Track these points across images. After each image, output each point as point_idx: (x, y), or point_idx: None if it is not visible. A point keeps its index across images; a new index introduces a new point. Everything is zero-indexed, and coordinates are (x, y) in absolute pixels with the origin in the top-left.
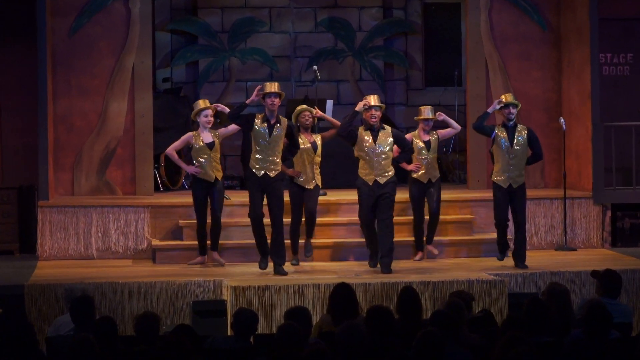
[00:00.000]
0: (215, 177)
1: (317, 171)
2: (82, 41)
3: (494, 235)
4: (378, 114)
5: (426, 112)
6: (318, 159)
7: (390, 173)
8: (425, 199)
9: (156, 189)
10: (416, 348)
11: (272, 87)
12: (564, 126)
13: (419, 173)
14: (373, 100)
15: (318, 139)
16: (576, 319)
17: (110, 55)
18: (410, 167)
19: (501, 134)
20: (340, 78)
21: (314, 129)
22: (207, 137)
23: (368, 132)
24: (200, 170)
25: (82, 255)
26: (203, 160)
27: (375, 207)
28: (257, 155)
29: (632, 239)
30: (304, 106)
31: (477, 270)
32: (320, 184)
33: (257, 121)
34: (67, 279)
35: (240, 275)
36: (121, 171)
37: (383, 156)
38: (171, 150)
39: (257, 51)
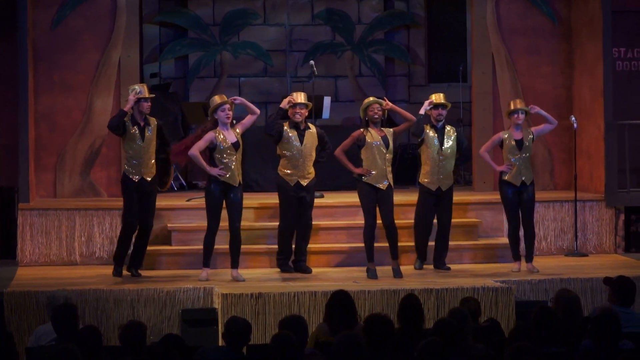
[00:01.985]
0: (239, 182)
1: (389, 169)
2: (65, 34)
3: (501, 240)
4: (303, 112)
5: (520, 104)
6: (389, 156)
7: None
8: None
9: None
10: (418, 359)
11: (300, 97)
12: (575, 125)
13: (510, 174)
14: (299, 97)
15: (390, 133)
16: (588, 328)
17: (94, 49)
18: (500, 167)
19: (431, 134)
20: (339, 73)
21: (382, 123)
22: (230, 136)
23: (293, 131)
24: (225, 173)
25: (64, 261)
26: (228, 161)
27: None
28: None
29: None
30: (372, 98)
31: (483, 276)
32: (392, 183)
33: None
34: (48, 285)
35: (232, 282)
36: (106, 172)
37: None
38: (196, 151)
39: (251, 45)
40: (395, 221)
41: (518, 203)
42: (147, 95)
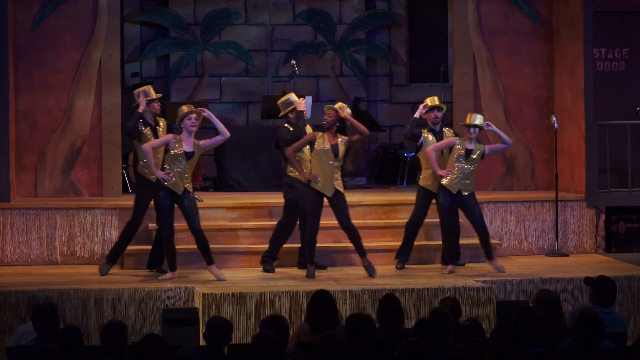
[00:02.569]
0: (185, 189)
1: (337, 176)
2: (46, 33)
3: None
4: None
5: (473, 118)
6: (337, 164)
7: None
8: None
9: (124, 190)
10: (398, 359)
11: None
12: (556, 125)
13: (447, 180)
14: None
15: (344, 142)
16: (568, 328)
17: (75, 48)
18: (441, 171)
19: (430, 138)
20: (320, 73)
21: (341, 130)
22: (188, 145)
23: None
24: (170, 179)
25: (45, 261)
26: (176, 168)
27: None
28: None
29: (627, 243)
30: (340, 104)
31: (464, 276)
32: (342, 189)
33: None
34: (29, 285)
35: (213, 281)
36: (87, 171)
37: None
38: (148, 146)
39: (232, 44)
40: (374, 220)
41: (452, 210)
42: (154, 96)
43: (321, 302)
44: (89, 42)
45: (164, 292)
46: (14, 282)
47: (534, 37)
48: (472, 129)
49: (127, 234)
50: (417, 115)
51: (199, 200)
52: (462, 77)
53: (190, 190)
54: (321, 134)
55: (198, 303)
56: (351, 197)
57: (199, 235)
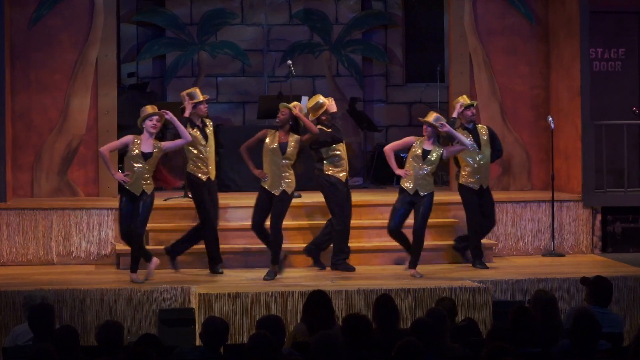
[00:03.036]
0: (143, 191)
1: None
2: (42, 33)
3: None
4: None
5: (432, 117)
6: (286, 162)
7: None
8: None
9: (120, 190)
10: (395, 359)
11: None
12: (552, 125)
13: (406, 181)
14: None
15: (294, 140)
16: (564, 328)
17: (72, 48)
18: (399, 171)
19: (467, 136)
20: (316, 73)
21: (295, 129)
22: (147, 145)
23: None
24: (128, 180)
25: (41, 261)
26: (135, 169)
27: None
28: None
29: (623, 244)
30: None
31: (460, 276)
32: (288, 190)
33: None
34: (25, 285)
35: (210, 282)
36: (84, 171)
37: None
38: (106, 149)
39: (228, 44)
40: (370, 221)
41: (407, 210)
42: (201, 98)
43: (317, 302)
44: (86, 42)
45: (160, 292)
46: (10, 282)
47: (531, 37)
48: (425, 126)
49: (210, 236)
50: (455, 115)
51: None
52: (459, 77)
53: (149, 192)
54: (273, 131)
55: (194, 303)
56: None
57: (134, 238)
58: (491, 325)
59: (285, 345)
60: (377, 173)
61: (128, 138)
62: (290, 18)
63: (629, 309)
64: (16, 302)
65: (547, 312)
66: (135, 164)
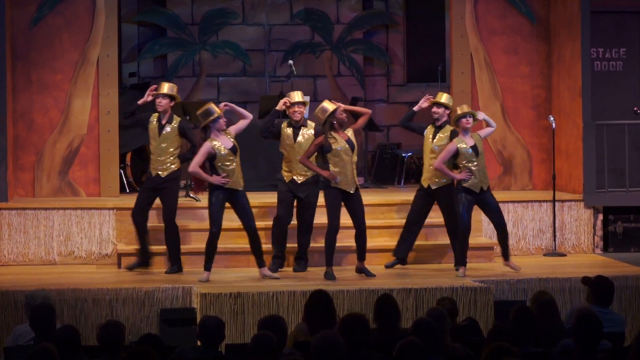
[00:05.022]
0: (242, 185)
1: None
2: (43, 33)
3: (481, 240)
4: (302, 109)
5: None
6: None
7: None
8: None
9: (122, 190)
10: (396, 359)
11: (296, 96)
12: (554, 124)
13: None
14: (296, 96)
15: (351, 134)
16: (565, 328)
17: (73, 48)
18: (460, 175)
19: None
20: (317, 73)
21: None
22: (226, 141)
23: (290, 129)
24: (229, 180)
25: (43, 260)
26: (230, 166)
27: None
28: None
29: (624, 243)
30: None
31: (462, 276)
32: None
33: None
34: (27, 285)
35: (211, 281)
36: (85, 171)
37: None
38: (195, 167)
39: (229, 44)
40: (372, 221)
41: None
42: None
43: (319, 302)
44: (87, 42)
45: (161, 292)
46: (11, 282)
47: (532, 37)
48: (468, 117)
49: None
50: (416, 108)
51: (197, 200)
52: (460, 77)
53: (243, 185)
54: (329, 134)
55: (196, 303)
56: None
57: (253, 234)
58: (492, 325)
59: (286, 345)
60: (379, 173)
61: (206, 146)
62: (292, 18)
63: (630, 309)
64: (17, 302)
65: (546, 313)
66: (229, 163)
